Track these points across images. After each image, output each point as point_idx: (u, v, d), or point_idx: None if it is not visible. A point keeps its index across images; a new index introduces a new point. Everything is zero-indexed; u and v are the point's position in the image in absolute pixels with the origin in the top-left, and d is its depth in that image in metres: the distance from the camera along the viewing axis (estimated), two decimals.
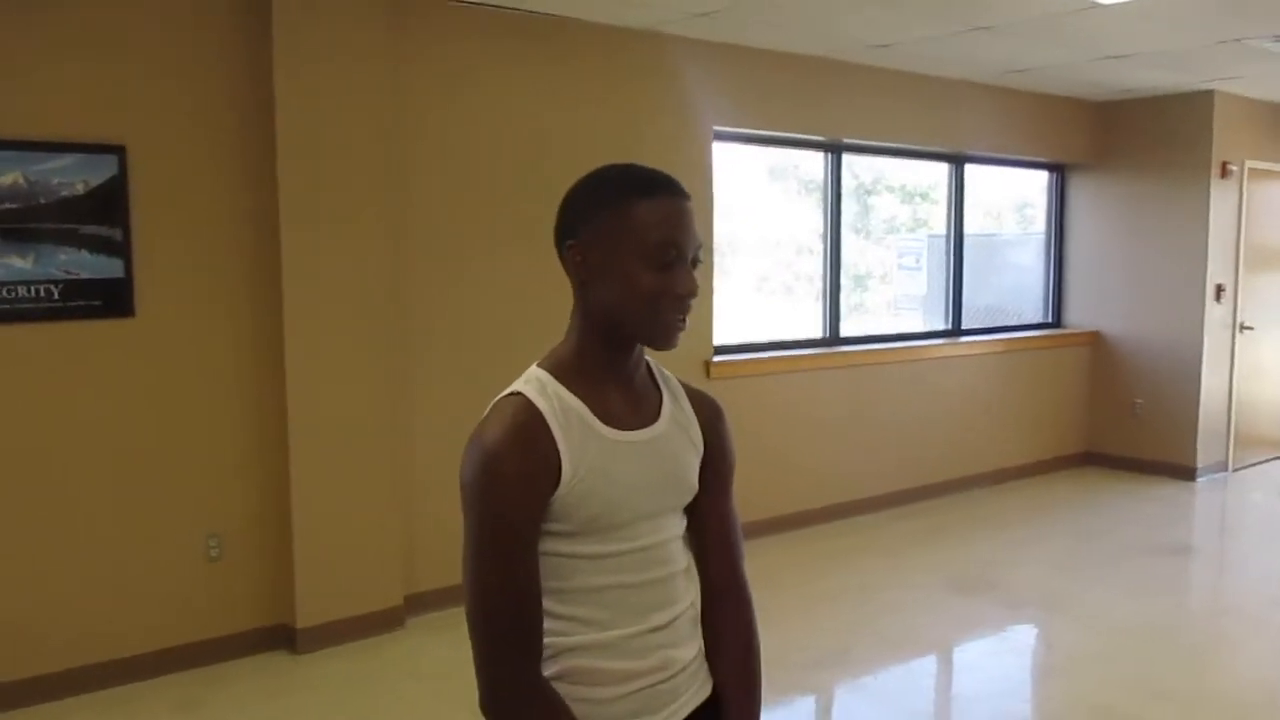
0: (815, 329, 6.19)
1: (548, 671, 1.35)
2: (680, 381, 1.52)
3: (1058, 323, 7.64)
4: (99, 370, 3.74)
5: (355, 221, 4.12)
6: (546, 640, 1.34)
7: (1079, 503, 6.66)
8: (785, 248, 6.73)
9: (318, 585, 4.12)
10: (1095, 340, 7.48)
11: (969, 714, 3.80)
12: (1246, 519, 6.63)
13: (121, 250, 3.74)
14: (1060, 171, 7.53)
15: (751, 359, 5.70)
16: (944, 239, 6.98)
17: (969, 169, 6.92)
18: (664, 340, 1.38)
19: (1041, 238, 7.67)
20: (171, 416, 3.89)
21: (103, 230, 3.70)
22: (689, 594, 1.48)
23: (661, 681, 1.40)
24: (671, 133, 5.13)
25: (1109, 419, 7.46)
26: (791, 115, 5.64)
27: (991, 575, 5.16)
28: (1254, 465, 7.49)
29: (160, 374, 3.86)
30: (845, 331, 6.25)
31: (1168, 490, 6.84)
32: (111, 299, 3.73)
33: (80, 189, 3.65)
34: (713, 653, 1.51)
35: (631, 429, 1.39)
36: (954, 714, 3.85)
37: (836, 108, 5.81)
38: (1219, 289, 6.95)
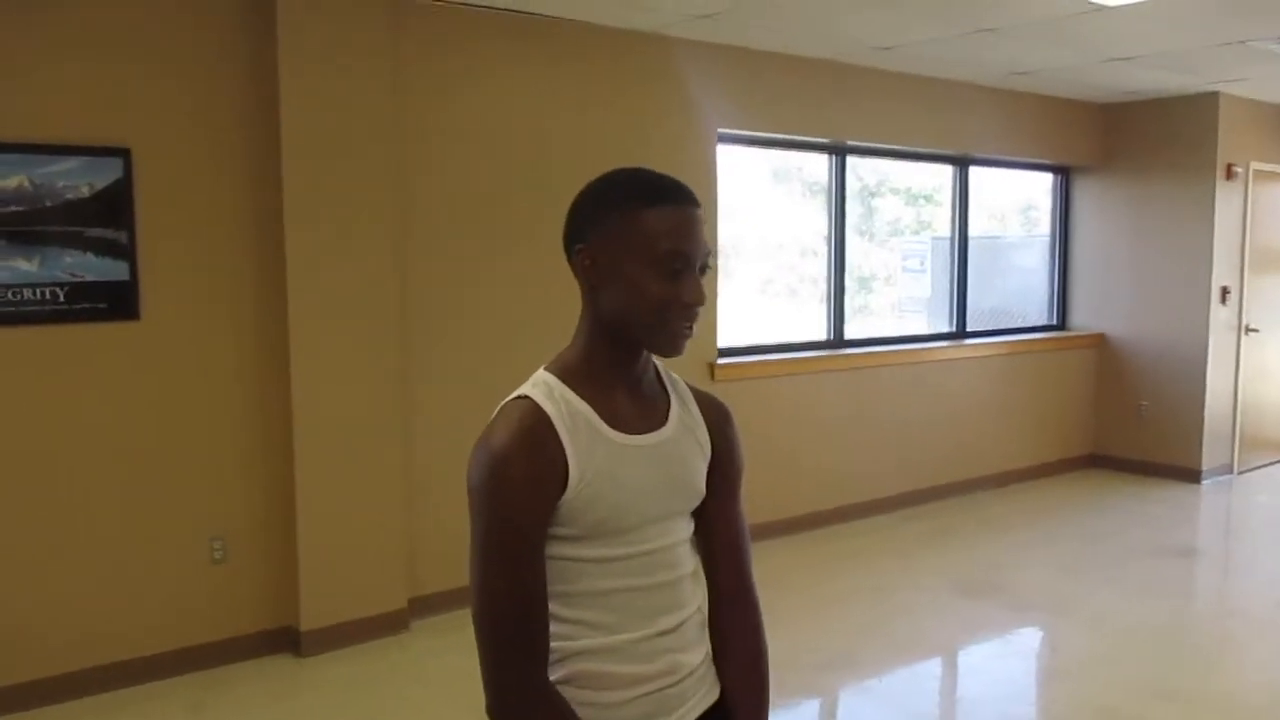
0: (819, 331, 6.18)
1: (555, 675, 1.35)
2: (688, 385, 1.52)
3: (1063, 325, 7.63)
4: (104, 373, 3.74)
5: (359, 222, 4.13)
6: (553, 644, 1.34)
7: (1084, 505, 6.64)
8: (789, 250, 6.72)
9: (322, 588, 4.12)
10: (1100, 342, 7.47)
11: (974, 716, 3.79)
12: (1251, 521, 6.61)
13: (126, 253, 3.74)
14: (1065, 173, 7.52)
15: (756, 361, 5.69)
16: (948, 241, 6.97)
17: (973, 171, 6.92)
18: (670, 348, 1.37)
19: (1046, 240, 7.66)
20: (176, 418, 3.89)
21: (108, 233, 3.70)
22: (696, 598, 1.47)
23: (669, 685, 1.40)
24: (675, 135, 5.13)
25: (1114, 421, 7.45)
26: (795, 117, 5.63)
27: (997, 578, 5.15)
28: (1259, 468, 7.48)
29: (165, 376, 3.86)
30: (849, 334, 6.25)
31: (1173, 492, 6.83)
32: (117, 302, 3.73)
33: (85, 192, 3.65)
34: (721, 657, 1.51)
35: (639, 433, 1.39)
36: (959, 717, 3.84)
37: (840, 110, 5.80)
38: (1224, 291, 6.94)
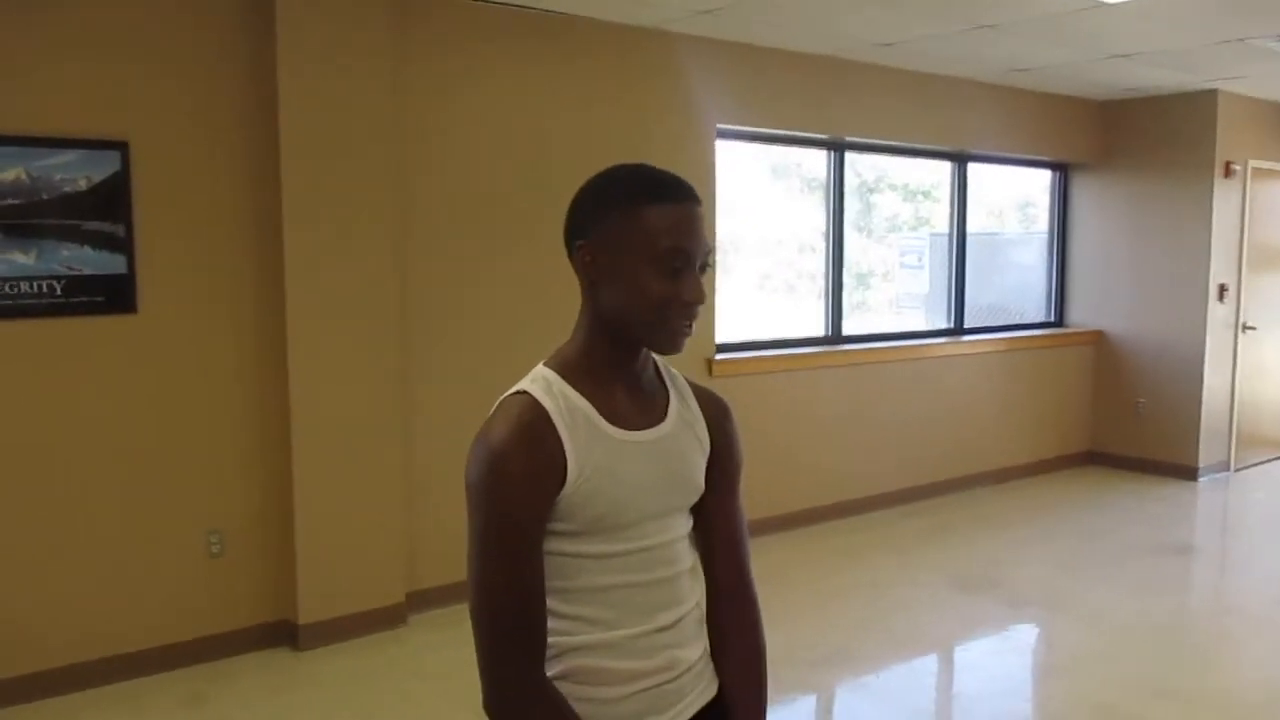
0: (817, 327, 6.18)
1: (552, 671, 1.35)
2: (688, 380, 1.52)
3: (1060, 322, 7.63)
4: (101, 367, 3.74)
5: (358, 220, 4.12)
6: (551, 640, 1.34)
7: (1081, 502, 6.65)
8: (788, 246, 6.72)
9: (320, 582, 4.12)
10: (1098, 340, 7.47)
11: (971, 713, 3.80)
12: (1248, 519, 6.62)
13: (124, 246, 3.73)
14: (1063, 170, 7.52)
15: (754, 357, 5.69)
16: (946, 238, 6.97)
17: (972, 168, 6.91)
18: (670, 346, 1.37)
19: (1044, 237, 7.66)
20: (173, 413, 3.89)
21: (105, 226, 3.70)
22: (695, 593, 1.47)
23: (667, 681, 1.40)
24: (674, 131, 5.12)
25: (1112, 418, 7.46)
26: (795, 113, 5.63)
27: (995, 574, 5.16)
28: (1256, 465, 7.49)
29: (162, 370, 3.86)
30: (847, 330, 6.25)
31: (1170, 490, 6.84)
32: (114, 295, 3.73)
33: (83, 185, 3.64)
34: (719, 653, 1.51)
35: (638, 429, 1.39)
36: (956, 713, 3.85)
37: (839, 106, 5.80)
38: (1222, 289, 6.95)
